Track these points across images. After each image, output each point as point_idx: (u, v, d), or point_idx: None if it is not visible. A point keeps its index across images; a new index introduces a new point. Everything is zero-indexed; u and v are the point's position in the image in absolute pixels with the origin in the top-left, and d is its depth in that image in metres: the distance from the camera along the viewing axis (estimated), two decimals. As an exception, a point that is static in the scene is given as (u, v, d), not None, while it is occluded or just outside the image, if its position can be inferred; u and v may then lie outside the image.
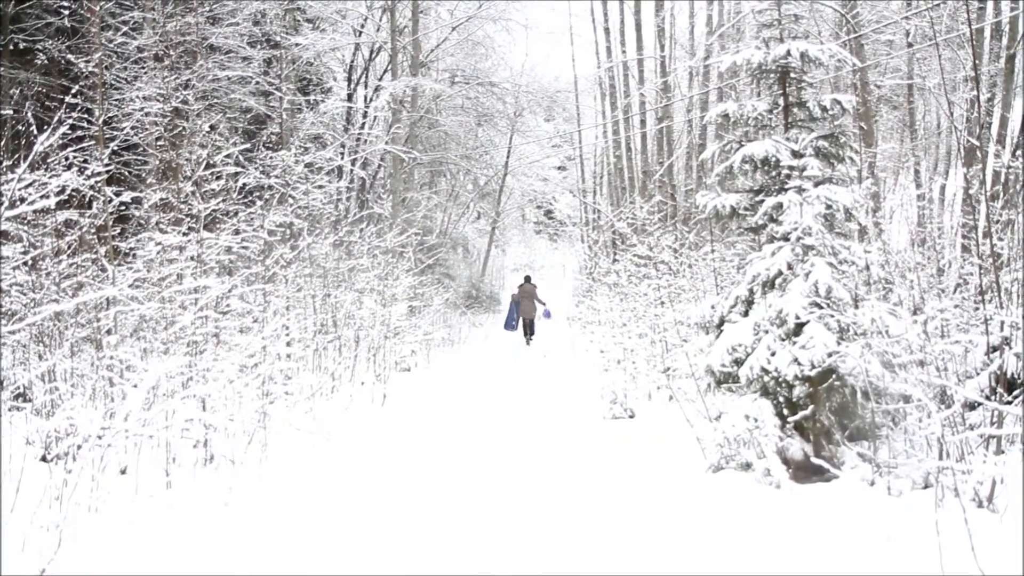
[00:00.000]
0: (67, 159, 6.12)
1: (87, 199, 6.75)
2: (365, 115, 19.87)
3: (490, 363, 14.06)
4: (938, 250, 6.81)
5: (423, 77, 19.46)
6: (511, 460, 6.04)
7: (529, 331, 18.48)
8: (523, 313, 18.68)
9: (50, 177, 4.85)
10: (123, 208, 7.97)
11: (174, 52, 11.17)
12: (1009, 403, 4.24)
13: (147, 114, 10.32)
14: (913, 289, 5.37)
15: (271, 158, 12.01)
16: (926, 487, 4.30)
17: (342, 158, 17.60)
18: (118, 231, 8.76)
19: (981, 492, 3.85)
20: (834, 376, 4.76)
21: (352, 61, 20.81)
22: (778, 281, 5.05)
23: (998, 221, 5.64)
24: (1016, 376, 4.45)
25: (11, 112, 7.45)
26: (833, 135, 5.44)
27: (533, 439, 6.86)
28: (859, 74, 10.86)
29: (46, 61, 10.59)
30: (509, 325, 19.62)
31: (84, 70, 9.14)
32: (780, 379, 4.82)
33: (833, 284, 4.79)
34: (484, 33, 22.54)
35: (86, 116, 8.59)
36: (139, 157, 10.96)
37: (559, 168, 37.63)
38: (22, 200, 4.28)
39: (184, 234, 6.27)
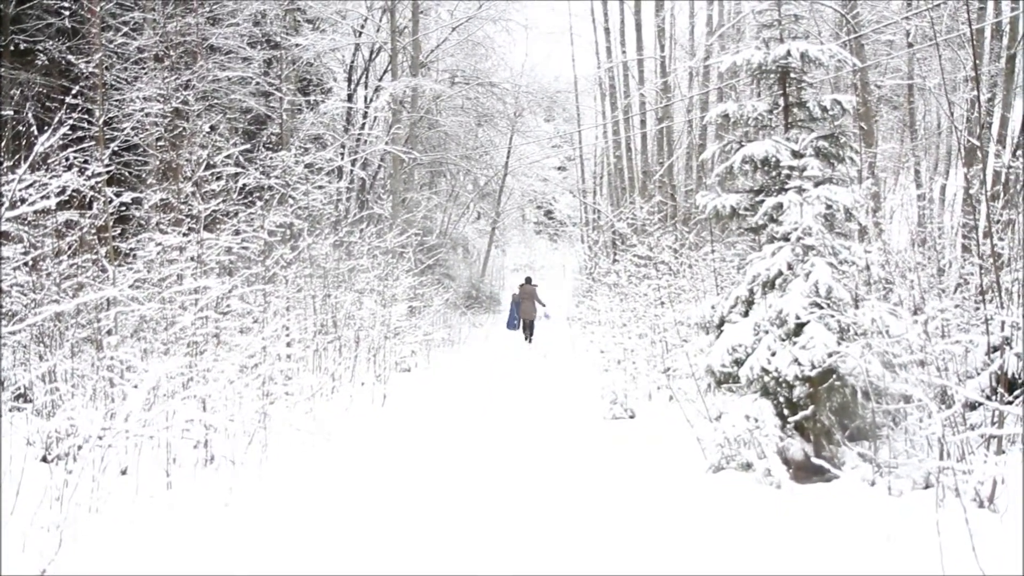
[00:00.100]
0: (67, 160, 6.13)
1: (87, 200, 6.75)
2: (365, 115, 19.88)
3: (490, 363, 14.06)
4: (938, 250, 6.81)
5: (423, 77, 19.46)
6: (511, 460, 6.04)
7: (529, 331, 18.63)
8: (524, 314, 18.81)
9: (50, 178, 4.85)
10: (123, 209, 7.97)
11: (174, 53, 11.18)
12: (1010, 403, 4.24)
13: (147, 115, 10.32)
14: (913, 289, 5.37)
15: (271, 158, 12.02)
16: (927, 487, 4.30)
17: (342, 158, 17.61)
18: (118, 232, 8.76)
19: (982, 492, 3.85)
20: (834, 376, 4.76)
21: (352, 61, 20.82)
22: (778, 281, 5.05)
23: (998, 221, 5.64)
24: (1017, 376, 4.45)
25: (12, 113, 7.45)
26: (833, 135, 5.44)
27: (533, 439, 6.86)
28: (859, 74, 10.86)
29: (47, 62, 10.60)
30: (511, 325, 19.72)
31: (84, 71, 9.14)
32: (780, 379, 4.82)
33: (833, 284, 4.79)
34: (484, 33, 22.54)
35: (86, 117, 8.60)
36: (139, 158, 10.96)
37: (559, 168, 37.64)
38: (23, 201, 4.28)
39: (184, 235, 6.27)
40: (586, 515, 4.49)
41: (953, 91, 11.98)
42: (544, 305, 19.40)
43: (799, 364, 4.72)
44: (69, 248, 6.02)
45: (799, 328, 4.82)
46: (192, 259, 6.09)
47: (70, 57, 9.65)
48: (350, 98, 20.60)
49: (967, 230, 7.28)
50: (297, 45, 15.91)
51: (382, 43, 19.76)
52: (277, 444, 5.85)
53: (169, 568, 3.58)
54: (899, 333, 4.64)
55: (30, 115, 5.54)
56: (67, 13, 10.42)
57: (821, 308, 4.80)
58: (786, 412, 4.97)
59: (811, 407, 4.80)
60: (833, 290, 4.78)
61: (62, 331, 5.43)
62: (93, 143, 8.63)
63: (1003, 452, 4.14)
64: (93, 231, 6.70)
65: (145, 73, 11.33)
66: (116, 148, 9.74)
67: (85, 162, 6.99)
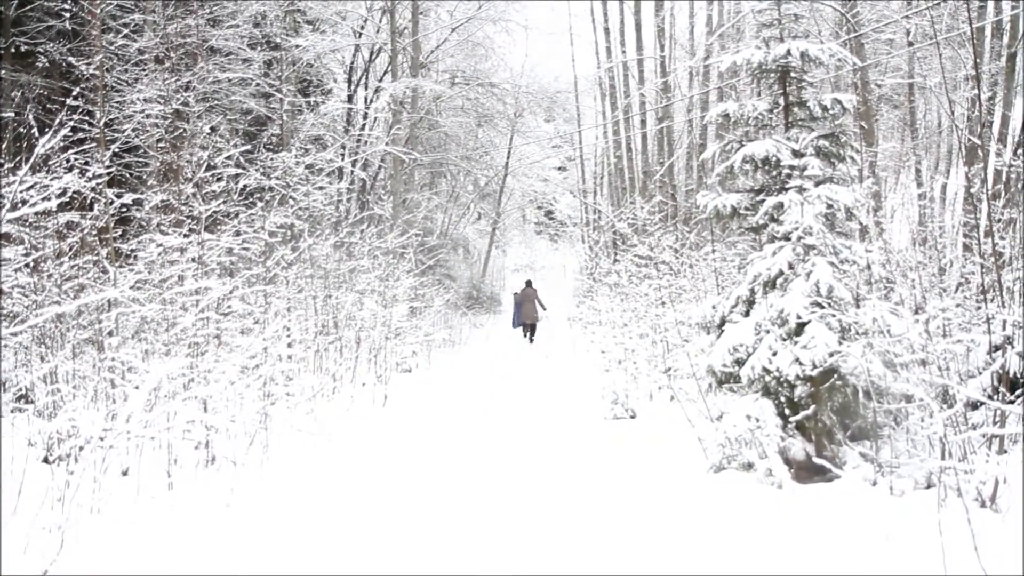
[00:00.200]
0: (68, 161, 6.14)
1: (88, 201, 6.76)
2: (365, 116, 19.89)
3: (491, 364, 14.06)
4: (939, 249, 6.81)
5: (423, 78, 19.46)
6: (512, 460, 6.04)
7: (531, 333, 18.84)
8: (525, 316, 19.00)
9: (51, 179, 4.86)
10: (124, 210, 7.99)
11: (175, 54, 11.19)
12: (1011, 402, 4.23)
13: (148, 116, 10.33)
14: (915, 288, 5.37)
15: (272, 159, 12.03)
16: (928, 487, 4.29)
17: (342, 159, 17.61)
18: (119, 233, 8.77)
19: (984, 492, 3.85)
20: (836, 376, 4.76)
21: (352, 62, 20.83)
22: (779, 281, 5.04)
23: (1000, 220, 5.63)
24: (1018, 375, 4.44)
25: (13, 114, 7.46)
26: (834, 134, 5.44)
27: (534, 439, 6.85)
28: (859, 73, 10.86)
29: (47, 63, 10.62)
30: (516, 323, 19.86)
31: (85, 72, 9.15)
32: (782, 379, 4.82)
33: (834, 284, 4.79)
34: (484, 34, 22.55)
35: (87, 118, 8.61)
36: (140, 159, 10.98)
37: (559, 169, 37.64)
38: (24, 202, 4.28)
39: (185, 236, 6.28)
40: (587, 515, 4.49)
41: (954, 90, 11.97)
42: (545, 309, 19.60)
43: (800, 364, 4.72)
44: (70, 249, 6.03)
45: (800, 328, 4.82)
46: (193, 260, 6.10)
47: (71, 59, 9.66)
48: (350, 99, 20.61)
49: (968, 229, 7.28)
50: (297, 46, 15.92)
51: (382, 44, 19.78)
52: (278, 445, 5.85)
53: (170, 568, 3.59)
54: (900, 332, 4.63)
55: (31, 117, 5.54)
56: (68, 15, 10.43)
57: (822, 307, 4.80)
58: (787, 412, 4.97)
59: (812, 407, 4.80)
60: (834, 289, 4.78)
61: (63, 332, 5.44)
62: (94, 145, 8.63)
63: (1005, 452, 4.13)
64: (94, 232, 6.71)
65: (146, 75, 11.34)
66: (117, 150, 9.74)
67: (86, 163, 7.00)
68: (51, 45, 10.73)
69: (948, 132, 15.43)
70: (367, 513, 4.58)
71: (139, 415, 4.38)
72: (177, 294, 5.74)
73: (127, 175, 10.50)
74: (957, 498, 3.66)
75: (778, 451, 4.83)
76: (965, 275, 6.12)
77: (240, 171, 8.96)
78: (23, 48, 10.92)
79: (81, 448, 4.28)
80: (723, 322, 5.55)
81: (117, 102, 10.83)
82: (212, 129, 10.23)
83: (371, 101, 20.09)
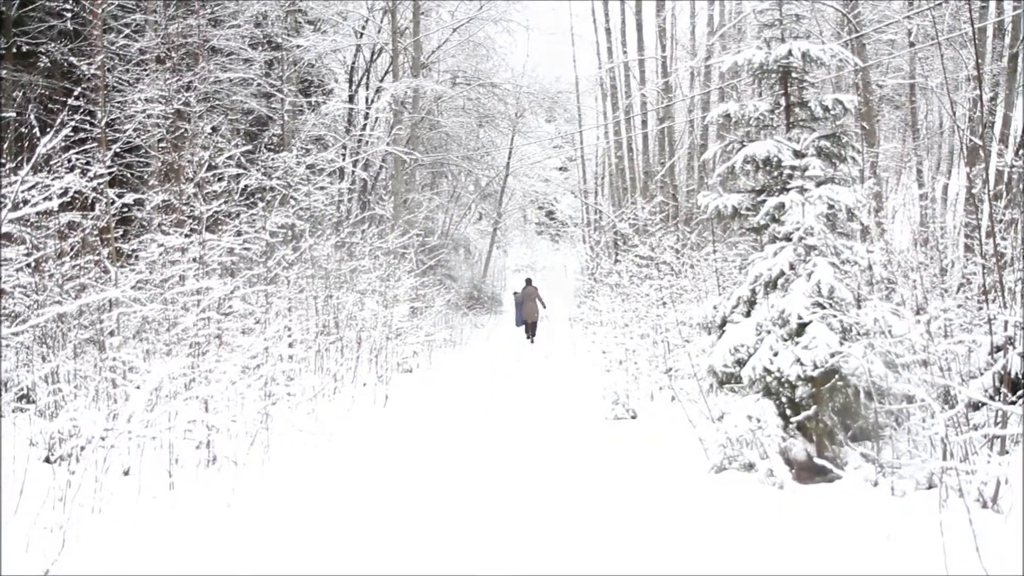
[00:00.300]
0: (70, 161, 6.14)
1: (90, 201, 6.77)
2: (366, 116, 19.89)
3: (492, 364, 14.06)
4: (941, 250, 6.80)
5: (424, 78, 19.46)
6: (513, 461, 6.04)
7: (531, 331, 18.90)
8: (526, 315, 19.05)
9: (53, 179, 4.86)
10: (125, 210, 7.99)
11: (176, 54, 11.19)
12: (1013, 403, 4.23)
13: (149, 116, 10.34)
14: (916, 289, 5.36)
15: (273, 159, 12.03)
16: (930, 487, 4.29)
17: (343, 159, 17.62)
18: (121, 233, 8.78)
19: (985, 492, 3.84)
20: (837, 376, 4.75)
21: (353, 63, 20.84)
22: (780, 281, 5.04)
23: (1001, 220, 5.63)
24: (1020, 376, 4.44)
25: (14, 114, 7.47)
26: (835, 135, 5.43)
27: (535, 440, 6.85)
28: (861, 74, 10.85)
29: (49, 64, 10.63)
30: (519, 322, 19.93)
31: (86, 72, 9.16)
32: (783, 379, 4.82)
33: (835, 284, 4.79)
34: (485, 34, 22.54)
35: (88, 118, 8.61)
36: (141, 159, 10.98)
37: (561, 169, 37.64)
38: (25, 202, 4.29)
39: (186, 236, 6.28)
40: (588, 515, 4.49)
41: (955, 90, 11.97)
42: (545, 307, 19.66)
43: (801, 364, 4.71)
44: (71, 249, 6.04)
45: (801, 328, 4.81)
46: (194, 260, 6.10)
47: (72, 59, 9.67)
48: (351, 99, 20.61)
49: (969, 230, 7.27)
50: (298, 46, 15.92)
51: (383, 44, 19.77)
52: (279, 445, 5.85)
53: (172, 568, 3.59)
54: (902, 333, 4.63)
55: (32, 117, 5.55)
56: (69, 15, 10.44)
57: (823, 308, 4.80)
58: (788, 412, 4.97)
59: (813, 407, 4.80)
60: (835, 290, 4.78)
61: (65, 332, 5.44)
62: (95, 145, 8.64)
63: (1007, 452, 4.13)
64: (95, 232, 6.71)
65: (147, 75, 11.35)
66: (118, 150, 9.75)
67: (87, 163, 7.00)
68: (52, 45, 10.74)
69: (949, 133, 15.42)
70: (368, 513, 4.58)
71: (140, 415, 4.38)
72: (178, 294, 5.74)
73: (128, 175, 10.51)
74: (959, 499, 3.66)
75: (779, 451, 4.83)
76: (967, 276, 6.11)
77: (241, 171, 8.97)
78: (25, 48, 10.93)
79: (82, 448, 4.28)
80: (724, 322, 5.55)
81: (118, 102, 10.84)
82: (213, 129, 10.24)
83: (372, 101, 20.09)
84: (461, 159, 24.40)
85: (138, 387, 4.61)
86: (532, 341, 18.51)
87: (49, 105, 9.56)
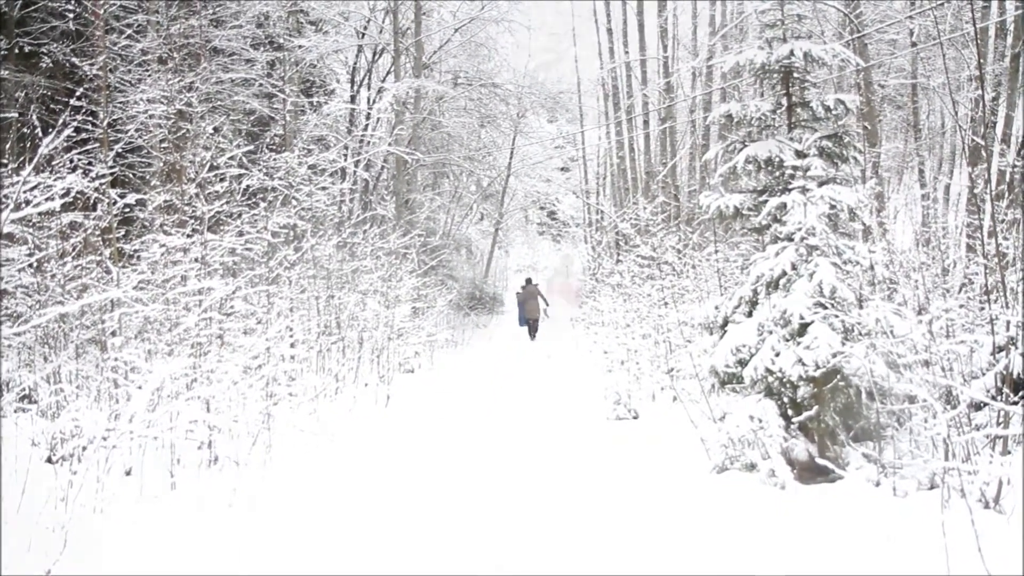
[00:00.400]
0: (72, 161, 6.15)
1: (91, 201, 6.78)
2: (368, 117, 19.90)
3: (494, 364, 14.06)
4: (943, 250, 6.79)
5: (426, 79, 19.46)
6: (515, 461, 6.04)
7: (533, 330, 19.05)
8: (528, 314, 19.21)
9: (55, 179, 4.87)
10: (127, 210, 8.00)
11: (178, 55, 11.20)
12: (1015, 403, 4.22)
13: (151, 116, 10.34)
14: (918, 289, 5.35)
15: (274, 160, 12.03)
16: (932, 488, 4.28)
17: (345, 160, 17.62)
18: (122, 233, 8.79)
19: (987, 493, 3.84)
20: (839, 376, 4.75)
21: (355, 63, 20.84)
22: (782, 281, 5.04)
23: (1003, 220, 5.62)
24: (1022, 376, 4.43)
25: (16, 115, 7.48)
26: (837, 135, 5.43)
27: (537, 440, 6.85)
28: (863, 74, 10.84)
29: (51, 64, 10.63)
30: (522, 321, 20.05)
31: (88, 73, 9.17)
32: (784, 380, 4.81)
33: (837, 284, 4.78)
34: (487, 35, 22.54)
35: (90, 119, 8.63)
36: (143, 159, 10.99)
37: (562, 169, 37.63)
38: (27, 202, 4.29)
39: (188, 236, 6.29)
40: (590, 515, 4.49)
41: (957, 90, 11.95)
42: (548, 305, 19.84)
43: (803, 364, 4.71)
44: (73, 250, 6.05)
45: (803, 328, 4.81)
46: (196, 260, 6.11)
47: (74, 59, 9.68)
48: (353, 99, 20.62)
49: (971, 230, 7.27)
50: (300, 47, 15.93)
51: (385, 44, 19.78)
52: (281, 445, 5.85)
53: (173, 568, 3.59)
54: (903, 333, 4.63)
55: (34, 117, 5.56)
56: (71, 16, 10.45)
57: (825, 308, 4.79)
58: (790, 412, 4.96)
59: (815, 407, 4.79)
60: (837, 290, 4.77)
61: (66, 332, 5.45)
62: (97, 145, 8.66)
63: (1009, 453, 4.12)
64: (97, 233, 6.72)
65: (149, 75, 11.36)
66: (120, 150, 9.77)
67: (89, 164, 7.02)
68: (55, 46, 10.75)
69: (951, 133, 15.40)
70: (370, 513, 4.58)
71: (142, 415, 4.39)
72: (180, 294, 5.75)
73: (130, 175, 10.52)
74: (960, 499, 3.65)
75: (781, 452, 4.83)
76: (968, 276, 6.11)
77: (243, 171, 8.96)
78: (27, 49, 10.94)
79: (84, 448, 4.29)
80: (726, 323, 5.54)
81: (120, 102, 10.85)
82: (215, 129, 10.25)
83: (374, 101, 20.09)
84: (463, 159, 24.39)
85: (140, 387, 4.61)
86: (533, 339, 18.71)
87: (51, 105, 9.58)
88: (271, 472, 5.32)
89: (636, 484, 5.16)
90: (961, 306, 5.31)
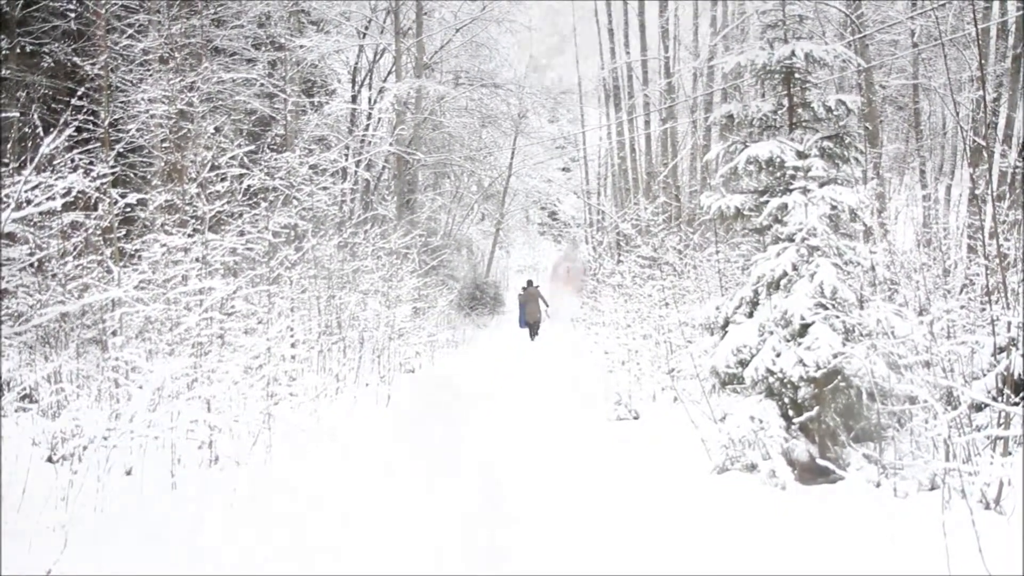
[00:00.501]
0: (73, 161, 6.15)
1: (93, 201, 6.78)
2: (369, 117, 19.91)
3: (494, 364, 14.07)
4: (944, 251, 6.79)
5: (427, 79, 19.47)
6: (516, 460, 6.04)
7: (534, 331, 19.12)
8: (529, 315, 19.27)
9: (56, 179, 4.87)
10: (128, 210, 7.99)
11: (179, 54, 11.20)
12: (1016, 404, 4.22)
13: (152, 116, 10.35)
14: (919, 290, 5.35)
15: (276, 160, 12.04)
16: (932, 489, 4.28)
17: (346, 160, 17.63)
18: (123, 233, 8.79)
19: (988, 494, 3.84)
20: (839, 377, 4.75)
21: (356, 63, 20.86)
22: (783, 282, 5.04)
23: (1004, 221, 5.61)
24: (1023, 377, 4.43)
25: (18, 114, 7.48)
26: (838, 136, 5.43)
27: (538, 440, 6.85)
28: (864, 74, 10.84)
29: (52, 64, 10.65)
30: (523, 323, 20.11)
31: (90, 72, 9.18)
32: (785, 380, 4.81)
33: (838, 285, 4.78)
34: (488, 35, 22.56)
35: (92, 118, 8.63)
36: (144, 159, 11.00)
37: (563, 169, 37.66)
38: (28, 202, 4.30)
39: (189, 236, 6.29)
40: (591, 515, 4.49)
41: (958, 91, 11.95)
42: (548, 305, 19.88)
43: (804, 365, 4.71)
44: (74, 249, 6.05)
45: (804, 329, 4.81)
46: (197, 260, 6.11)
47: (75, 59, 9.69)
48: (354, 99, 20.63)
49: (972, 230, 7.26)
50: (301, 47, 15.94)
51: (386, 45, 19.79)
52: (281, 445, 5.85)
53: (174, 568, 3.59)
54: (904, 334, 4.62)
55: (36, 117, 5.56)
56: (73, 15, 10.46)
57: (826, 309, 4.79)
58: (791, 413, 4.96)
59: (816, 408, 4.79)
60: (838, 291, 4.77)
61: (67, 332, 5.46)
62: (98, 144, 8.66)
63: (1009, 454, 4.12)
64: (98, 232, 6.72)
65: (150, 75, 11.36)
66: (121, 149, 9.78)
67: (90, 163, 7.02)
68: (56, 45, 10.77)
69: (953, 133, 15.40)
70: (370, 513, 4.58)
71: (143, 415, 4.39)
72: (181, 294, 5.75)
73: (131, 175, 10.53)
74: (961, 500, 3.65)
75: (782, 452, 4.82)
76: (970, 277, 6.10)
77: (244, 171, 8.95)
78: (28, 48, 10.96)
79: (85, 448, 4.29)
80: (727, 323, 5.54)
81: (121, 102, 10.86)
82: (216, 129, 10.25)
83: (375, 102, 20.10)
84: (464, 159, 24.40)
85: (140, 387, 4.62)
86: (533, 339, 18.79)
87: (52, 105, 9.60)
88: (272, 472, 5.32)
89: (637, 484, 5.16)
90: (962, 307, 5.31)
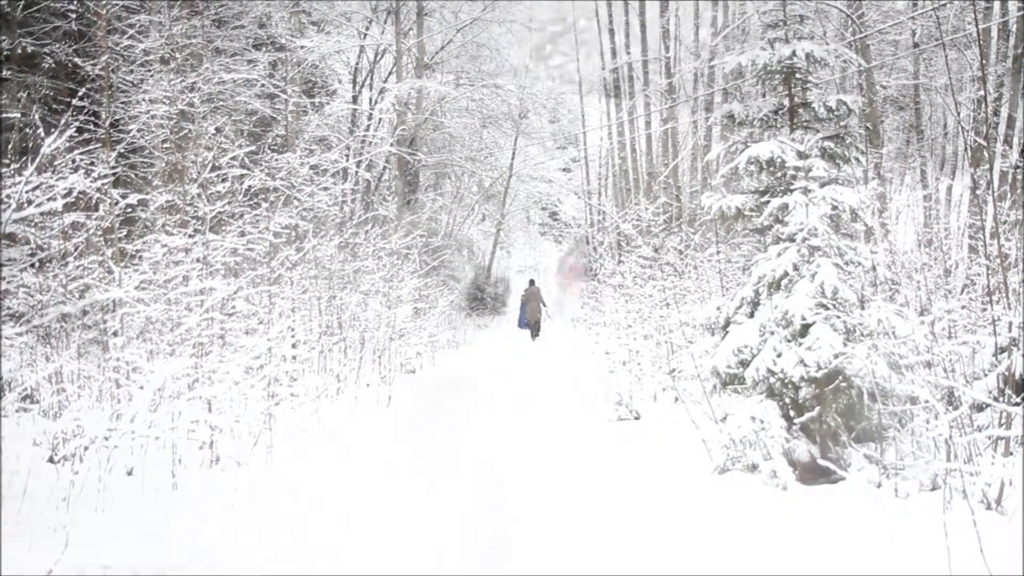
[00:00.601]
0: (74, 161, 6.15)
1: (94, 201, 6.77)
2: (370, 117, 19.91)
3: (495, 365, 14.06)
4: (945, 251, 6.79)
5: (428, 79, 19.47)
6: (517, 460, 6.04)
7: (535, 330, 19.18)
8: (530, 315, 19.35)
9: (57, 179, 4.87)
10: (129, 210, 8.00)
11: (180, 55, 11.21)
12: (1017, 404, 4.21)
13: (153, 117, 10.36)
14: (920, 290, 5.35)
15: (276, 160, 12.04)
16: (933, 489, 4.28)
17: (347, 160, 17.64)
18: (124, 233, 8.79)
19: (989, 494, 3.83)
20: (840, 377, 4.74)
21: (357, 63, 20.86)
22: (784, 282, 5.03)
23: (1005, 222, 5.61)
24: (1024, 377, 4.42)
25: (19, 115, 7.49)
26: (839, 136, 5.42)
27: (538, 440, 6.85)
28: (865, 74, 10.84)
29: (53, 64, 10.66)
30: (522, 324, 20.16)
31: (91, 73, 9.19)
32: (786, 380, 4.81)
33: (839, 285, 4.78)
34: (489, 35, 22.54)
35: (93, 119, 8.64)
36: (145, 159, 11.01)
37: (564, 170, 37.62)
38: (29, 202, 4.30)
39: (190, 236, 6.29)
40: (591, 515, 4.49)
41: (959, 91, 11.95)
42: (546, 306, 20.01)
43: (805, 365, 4.70)
44: (75, 250, 6.05)
45: (805, 329, 4.81)
46: (198, 260, 6.11)
47: (77, 60, 9.70)
48: (355, 100, 20.63)
49: (974, 231, 7.26)
50: (302, 47, 15.94)
51: (387, 45, 19.79)
52: (282, 445, 5.86)
53: (174, 569, 3.59)
54: (905, 334, 4.62)
55: (37, 117, 5.57)
56: (74, 16, 10.47)
57: (827, 309, 4.79)
58: (792, 413, 4.96)
59: (817, 408, 4.79)
60: (839, 291, 4.77)
61: (68, 332, 5.46)
62: (99, 145, 8.67)
63: (1011, 454, 4.11)
64: (99, 233, 6.72)
65: (151, 75, 11.37)
66: (122, 150, 9.79)
67: (91, 164, 7.01)
68: (57, 46, 10.77)
69: (954, 134, 15.39)
70: (371, 513, 4.58)
71: (144, 415, 4.39)
72: (182, 294, 5.75)
73: (132, 175, 10.53)
74: (962, 500, 3.65)
75: (782, 452, 4.82)
76: (971, 277, 6.10)
77: (245, 172, 8.95)
78: (29, 49, 10.96)
79: (86, 448, 4.30)
80: (727, 323, 5.54)
81: (122, 103, 10.87)
82: (217, 130, 10.25)
83: (376, 102, 20.10)
84: (464, 160, 24.38)
85: (141, 387, 4.62)
86: (535, 339, 18.91)
87: (54, 106, 9.60)
88: (273, 472, 5.32)
89: (638, 484, 5.16)
90: (963, 307, 5.31)
